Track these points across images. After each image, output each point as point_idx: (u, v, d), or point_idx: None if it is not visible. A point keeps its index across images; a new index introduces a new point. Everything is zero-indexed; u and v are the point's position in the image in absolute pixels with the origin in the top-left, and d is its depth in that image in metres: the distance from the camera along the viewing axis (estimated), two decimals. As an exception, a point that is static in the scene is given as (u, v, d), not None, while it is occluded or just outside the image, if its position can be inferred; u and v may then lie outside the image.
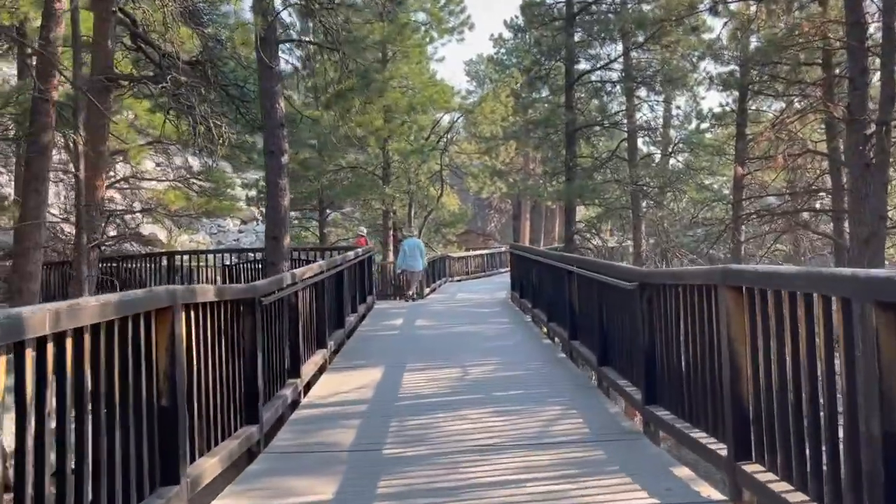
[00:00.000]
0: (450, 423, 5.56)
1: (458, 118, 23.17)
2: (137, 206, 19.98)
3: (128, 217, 25.75)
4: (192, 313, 3.94)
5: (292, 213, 30.11)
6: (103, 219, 11.94)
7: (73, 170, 13.07)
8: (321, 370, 7.80)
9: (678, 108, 21.09)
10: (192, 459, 3.90)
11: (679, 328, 4.75)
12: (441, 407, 6.05)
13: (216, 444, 4.30)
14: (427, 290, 21.65)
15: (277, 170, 8.87)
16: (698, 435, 4.32)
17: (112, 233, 21.28)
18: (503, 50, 36.57)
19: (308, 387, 6.94)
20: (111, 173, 20.51)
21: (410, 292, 17.34)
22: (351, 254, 10.88)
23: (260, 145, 15.65)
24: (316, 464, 4.70)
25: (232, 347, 4.72)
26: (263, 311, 5.23)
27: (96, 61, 11.88)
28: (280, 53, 11.10)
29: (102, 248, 18.34)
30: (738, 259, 16.35)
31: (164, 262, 15.27)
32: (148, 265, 15.66)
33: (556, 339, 9.32)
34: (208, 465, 3.94)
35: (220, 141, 11.40)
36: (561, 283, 8.84)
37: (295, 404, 6.37)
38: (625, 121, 18.71)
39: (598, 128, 18.82)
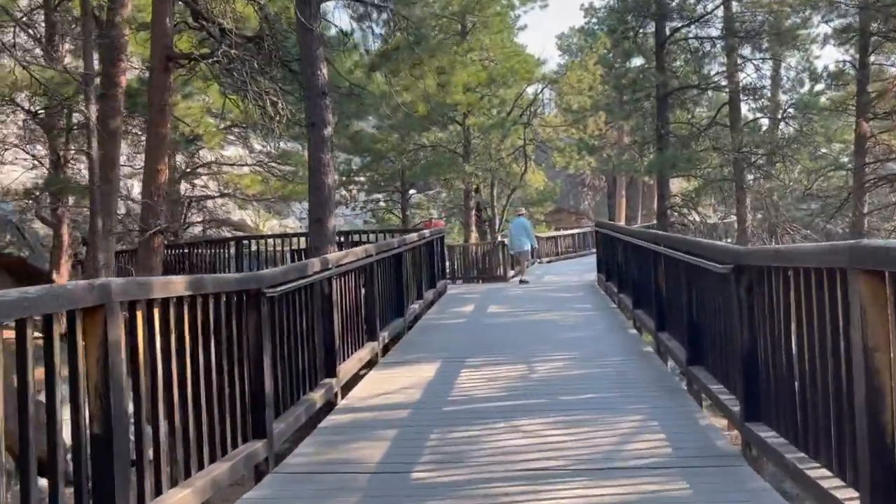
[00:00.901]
0: (500, 438, 4.62)
1: (542, 89, 21.91)
2: (216, 192, 19.98)
3: (212, 203, 26.08)
4: (153, 311, 3.17)
5: (377, 196, 29.85)
6: (163, 204, 11.57)
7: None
8: (371, 365, 7.01)
9: (788, 67, 18.94)
10: (158, 492, 3.15)
11: (789, 327, 3.60)
12: (494, 415, 5.11)
13: (200, 468, 3.54)
14: (512, 272, 20.65)
15: (320, 144, 8.09)
16: (817, 473, 3.18)
17: (196, 219, 21.50)
18: (594, 20, 34.70)
19: (350, 386, 6.16)
20: (195, 159, 20.62)
21: (521, 275, 16.51)
22: (414, 235, 10.04)
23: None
24: (328, 490, 3.88)
25: (229, 350, 3.95)
26: (274, 304, 4.44)
27: (156, 40, 11.51)
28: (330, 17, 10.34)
29: (179, 234, 18.42)
30: (861, 234, 14.41)
31: (233, 249, 14.92)
32: (221, 251, 15.40)
33: (643, 330, 8.15)
34: (175, 501, 3.18)
35: (279, 119, 10.78)
36: (647, 264, 7.67)
37: (331, 406, 5.60)
38: (725, 83, 16.80)
39: (694, 91, 17.03)
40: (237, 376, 4.02)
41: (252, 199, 18.67)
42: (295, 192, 18.22)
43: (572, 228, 33.75)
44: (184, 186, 21.06)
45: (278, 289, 4.30)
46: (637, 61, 19.20)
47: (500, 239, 20.30)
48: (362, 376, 6.61)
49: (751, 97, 17.42)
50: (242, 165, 19.84)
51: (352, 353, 6.43)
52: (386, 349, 7.89)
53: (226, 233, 28.13)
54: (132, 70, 15.36)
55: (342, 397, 5.78)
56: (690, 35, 16.91)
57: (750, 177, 17.02)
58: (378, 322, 7.35)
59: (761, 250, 3.92)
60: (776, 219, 16.96)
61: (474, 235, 23.33)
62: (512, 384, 6.05)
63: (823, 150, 22.08)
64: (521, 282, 16.10)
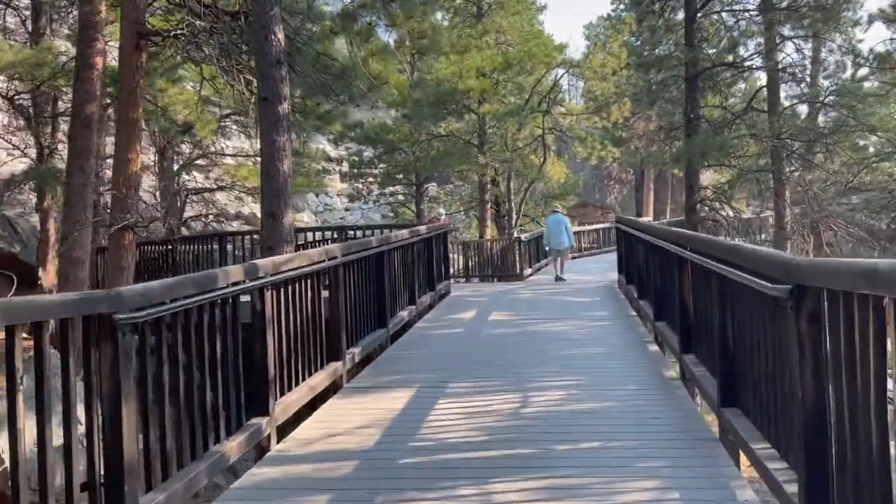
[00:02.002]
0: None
1: (563, 75, 20.49)
2: (217, 185, 18.95)
3: (223, 197, 25.17)
4: None
5: (394, 188, 28.62)
6: (135, 196, 10.48)
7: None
8: (334, 390, 5.81)
9: (831, 49, 17.23)
10: None
11: (882, 383, 2.31)
12: (463, 473, 3.88)
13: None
14: (529, 270, 19.34)
15: (274, 122, 6.86)
16: None
17: (204, 212, 20.49)
18: (622, 6, 33.08)
19: (297, 423, 4.95)
20: (197, 150, 19.59)
21: (559, 272, 15.70)
22: (404, 232, 8.79)
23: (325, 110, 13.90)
24: None
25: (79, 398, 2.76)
26: (146, 332, 3.24)
27: (126, 15, 10.42)
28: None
29: (175, 230, 17.39)
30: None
31: (220, 245, 13.80)
32: (209, 248, 14.31)
33: (665, 346, 6.84)
34: None
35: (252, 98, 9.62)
36: (670, 270, 6.35)
37: (263, 452, 4.41)
38: (762, 63, 15.13)
39: (727, 74, 15.40)
40: (76, 439, 2.83)
41: (252, 192, 17.61)
42: (297, 185, 17.08)
43: (597, 223, 32.26)
44: (187, 179, 20.12)
45: (144, 313, 3.08)
46: (665, 39, 17.62)
47: (516, 234, 18.97)
48: (319, 406, 5.40)
49: (791, 79, 15.84)
50: (244, 156, 18.77)
51: (301, 380, 5.22)
52: (363, 365, 6.69)
53: (236, 226, 27.26)
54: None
55: (278, 441, 4.58)
56: (724, 8, 15.29)
57: (788, 168, 15.43)
58: (345, 338, 6.14)
59: (836, 265, 2.63)
60: (818, 214, 15.38)
61: (490, 231, 22.02)
62: (497, 423, 4.79)
63: (866, 140, 20.36)
64: (558, 279, 15.29)
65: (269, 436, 4.47)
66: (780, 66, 14.95)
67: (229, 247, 14.22)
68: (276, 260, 4.87)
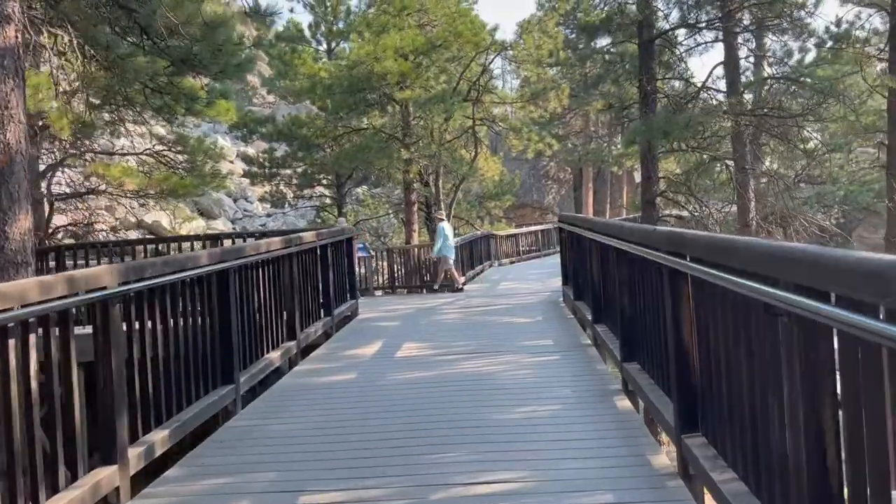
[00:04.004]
0: None
1: (493, 58, 18.29)
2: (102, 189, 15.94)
3: (128, 203, 22.07)
4: None
5: (313, 191, 25.96)
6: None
7: None
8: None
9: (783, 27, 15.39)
10: None
11: None
12: None
13: None
14: (461, 279, 17.06)
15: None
16: None
17: (61, 221, 17.43)
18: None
19: None
20: (73, 149, 16.56)
21: (457, 283, 14.57)
22: (274, 241, 6.31)
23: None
24: None
25: None
26: None
27: None
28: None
29: (44, 240, 14.42)
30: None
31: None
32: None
33: (643, 404, 4.60)
34: None
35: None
36: (652, 290, 4.14)
37: None
38: (721, 25, 12.95)
39: (684, 45, 13.27)
40: None
41: (129, 194, 14.83)
42: (181, 185, 14.35)
43: (535, 225, 30.34)
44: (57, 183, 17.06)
45: None
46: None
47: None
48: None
49: (750, 53, 13.97)
50: (124, 154, 15.90)
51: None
52: (185, 451, 4.24)
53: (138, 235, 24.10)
54: None
55: None
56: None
57: (752, 156, 13.53)
58: (124, 426, 3.65)
59: None
60: (786, 209, 13.56)
61: (419, 236, 19.68)
62: None
63: (811, 132, 18.81)
64: (458, 289, 14.24)
65: None
66: (737, 29, 12.92)
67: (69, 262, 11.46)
68: None
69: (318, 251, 7.94)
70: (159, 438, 4.02)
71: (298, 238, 6.98)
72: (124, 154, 15.94)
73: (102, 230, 18.90)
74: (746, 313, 2.63)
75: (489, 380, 5.65)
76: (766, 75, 13.83)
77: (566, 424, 4.40)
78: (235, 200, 35.63)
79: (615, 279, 5.50)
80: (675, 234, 3.52)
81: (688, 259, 3.28)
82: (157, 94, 10.59)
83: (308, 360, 6.80)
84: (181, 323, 4.51)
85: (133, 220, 27.39)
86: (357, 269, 17.22)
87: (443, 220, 15.46)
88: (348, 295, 9.26)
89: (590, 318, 6.86)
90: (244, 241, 10.93)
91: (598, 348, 6.47)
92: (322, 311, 7.92)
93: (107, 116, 15.15)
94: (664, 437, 4.46)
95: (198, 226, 29.12)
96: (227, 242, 12.12)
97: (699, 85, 12.92)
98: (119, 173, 13.67)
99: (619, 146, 32.80)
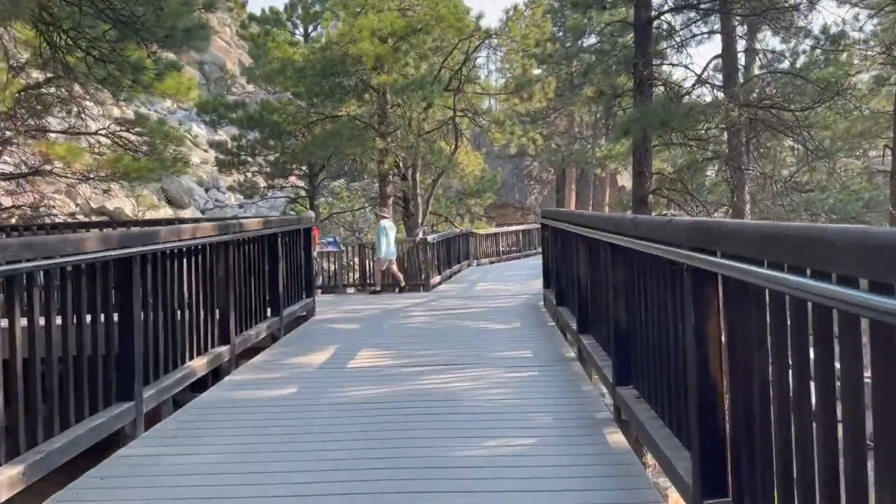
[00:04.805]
0: None
1: (478, 46, 17.27)
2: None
3: (88, 188, 20.98)
4: None
5: (285, 181, 24.82)
6: None
7: None
8: None
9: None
10: None
11: None
12: None
13: None
14: (437, 278, 16.09)
15: None
16: None
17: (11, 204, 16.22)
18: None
19: None
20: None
21: (401, 283, 14.13)
22: (187, 228, 5.26)
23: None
24: None
25: None
26: None
27: None
28: None
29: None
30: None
31: None
32: None
33: (645, 446, 3.65)
34: None
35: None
36: (658, 297, 3.21)
37: None
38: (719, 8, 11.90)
39: (679, 35, 12.24)
40: None
41: (77, 176, 13.68)
42: (135, 168, 13.23)
43: (517, 225, 29.44)
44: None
45: None
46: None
47: (421, 235, 15.72)
48: None
49: (749, 45, 13.11)
50: (76, 133, 14.72)
51: None
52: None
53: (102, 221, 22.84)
54: None
55: None
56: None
57: (750, 154, 12.64)
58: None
59: None
60: (784, 212, 12.69)
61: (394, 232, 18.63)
62: None
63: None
64: (401, 290, 13.99)
65: None
66: (737, 12, 11.94)
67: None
68: None
69: (268, 241, 6.94)
70: (6, 478, 3.01)
71: (238, 225, 5.97)
72: (77, 133, 14.77)
73: (52, 215, 17.67)
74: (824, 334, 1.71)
75: (455, 401, 4.68)
76: (764, 70, 12.98)
77: (544, 466, 3.45)
78: (207, 190, 34.37)
79: (607, 283, 4.57)
80: (703, 224, 2.59)
81: (718, 255, 2.36)
82: (100, 63, 9.49)
83: (244, 368, 5.79)
84: (55, 322, 3.51)
85: (94, 206, 26.12)
86: (325, 264, 16.30)
87: (386, 217, 14.67)
88: (304, 293, 8.25)
89: (574, 327, 5.92)
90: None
91: (584, 363, 5.54)
92: (269, 309, 6.91)
93: (53, 90, 14.00)
94: (672, 492, 3.53)
95: (164, 214, 27.88)
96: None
97: (697, 75, 12.00)
98: (63, 152, 12.53)
99: (603, 147, 32.02)
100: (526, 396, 4.73)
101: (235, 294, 5.87)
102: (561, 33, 30.58)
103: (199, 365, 5.09)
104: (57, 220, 16.89)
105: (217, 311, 5.57)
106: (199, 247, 5.20)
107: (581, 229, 5.54)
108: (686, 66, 13.04)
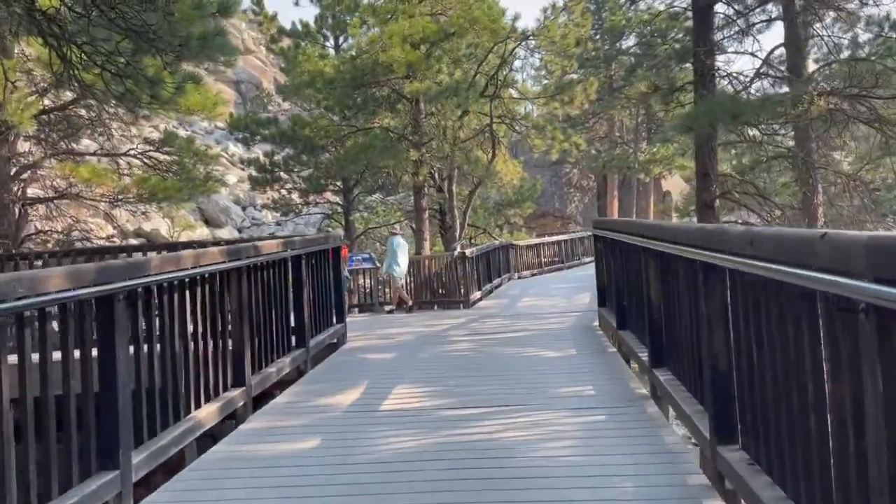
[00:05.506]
0: None
1: (514, 48, 16.44)
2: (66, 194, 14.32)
3: (124, 212, 20.63)
4: None
5: (319, 197, 24.28)
6: None
7: None
8: None
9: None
10: None
11: None
12: None
13: None
14: (477, 294, 15.27)
15: None
16: None
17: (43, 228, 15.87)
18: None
19: None
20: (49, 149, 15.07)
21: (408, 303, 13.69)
22: (186, 255, 4.54)
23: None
24: None
25: None
26: None
27: None
28: None
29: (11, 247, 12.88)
30: None
31: None
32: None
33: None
34: None
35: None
36: (797, 340, 2.32)
37: None
38: None
39: (738, 19, 11.08)
40: None
41: (104, 199, 13.26)
42: (163, 188, 12.73)
43: (558, 234, 28.45)
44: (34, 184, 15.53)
45: None
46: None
47: (459, 249, 14.92)
48: None
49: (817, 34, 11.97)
50: (106, 155, 14.34)
51: None
52: None
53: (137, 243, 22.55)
54: None
55: None
56: None
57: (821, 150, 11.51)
58: None
59: None
60: (868, 215, 11.51)
61: (430, 245, 17.91)
62: None
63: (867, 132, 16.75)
64: (391, 311, 13.49)
65: None
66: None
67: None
68: None
69: (290, 265, 6.21)
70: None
71: (253, 248, 5.23)
72: (105, 155, 14.37)
73: (86, 239, 17.34)
74: None
75: (505, 458, 3.83)
76: (831, 58, 11.85)
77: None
78: (244, 208, 34.19)
79: (696, 310, 3.70)
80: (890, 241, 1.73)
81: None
82: (117, 78, 8.94)
83: (262, 412, 5.04)
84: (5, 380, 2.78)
85: (131, 228, 25.97)
86: (360, 280, 15.59)
87: (396, 233, 14.03)
88: (334, 318, 7.50)
89: (645, 359, 5.04)
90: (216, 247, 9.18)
91: (660, 403, 4.65)
92: (293, 340, 6.17)
93: (84, 113, 13.60)
94: None
95: (200, 234, 27.64)
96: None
97: (763, 60, 10.89)
98: (88, 174, 12.08)
99: (646, 151, 30.86)
100: (593, 452, 3.86)
101: (252, 327, 5.14)
102: (598, 36, 29.50)
103: (206, 414, 4.35)
104: (87, 245, 16.52)
105: (229, 349, 4.84)
106: (206, 276, 4.48)
107: (651, 242, 4.67)
108: (752, 54, 11.88)
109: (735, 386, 3.16)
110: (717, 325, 3.29)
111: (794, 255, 2.22)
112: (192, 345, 4.31)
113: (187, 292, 4.28)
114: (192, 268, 4.22)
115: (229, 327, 4.84)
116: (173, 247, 9.84)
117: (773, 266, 2.32)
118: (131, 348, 3.68)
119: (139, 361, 3.74)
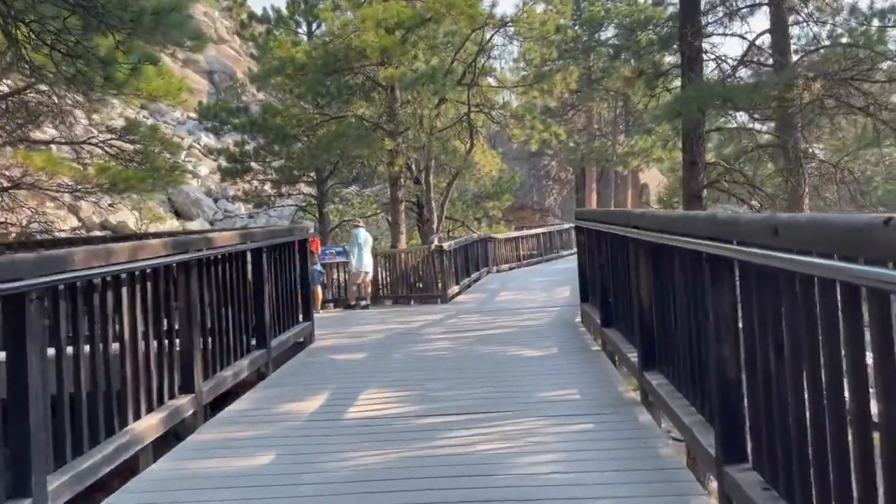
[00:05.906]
0: None
1: (492, 35, 15.97)
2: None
3: (88, 202, 19.92)
4: None
5: (292, 188, 23.65)
6: None
7: None
8: None
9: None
10: None
11: None
12: None
13: None
14: (456, 288, 14.83)
15: None
16: None
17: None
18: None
19: None
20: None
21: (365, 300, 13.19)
22: (119, 248, 4.03)
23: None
24: None
25: None
26: None
27: None
28: None
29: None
30: None
31: None
32: None
33: None
34: None
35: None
36: (852, 357, 1.90)
37: None
38: None
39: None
40: None
41: (61, 189, 12.60)
42: (125, 178, 12.09)
43: (537, 227, 28.10)
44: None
45: None
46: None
47: (436, 243, 14.47)
48: None
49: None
50: (60, 143, 13.66)
51: None
52: None
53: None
54: None
55: None
56: None
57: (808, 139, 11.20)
58: None
59: None
60: (854, 204, 11.27)
61: (407, 239, 17.43)
62: None
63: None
64: (366, 306, 13.09)
65: None
66: None
67: None
68: None
69: (249, 259, 5.71)
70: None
71: (205, 241, 4.73)
72: (63, 143, 13.69)
73: (48, 231, 16.60)
74: None
75: (489, 475, 3.40)
76: (815, 44, 11.54)
77: None
78: (216, 200, 33.37)
79: (697, 309, 3.29)
80: None
81: None
82: (68, 58, 8.35)
83: (214, 421, 4.55)
84: None
85: (96, 220, 25.15)
86: (334, 275, 15.07)
87: (360, 226, 13.67)
88: (299, 316, 7.01)
89: (634, 360, 4.63)
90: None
91: (651, 409, 4.24)
92: (253, 341, 5.68)
93: (44, 99, 12.88)
94: None
95: (170, 226, 26.85)
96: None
97: (751, 42, 10.54)
98: (42, 163, 11.42)
99: (623, 144, 30.57)
100: (580, 468, 3.43)
101: (203, 328, 4.65)
102: (577, 27, 29.06)
103: (147, 426, 3.85)
104: (46, 237, 15.80)
105: (177, 353, 4.35)
106: (146, 271, 3.98)
107: (643, 233, 4.25)
108: (742, 36, 11.47)
109: (747, 397, 2.75)
110: (727, 328, 2.88)
111: (840, 246, 1.80)
112: (129, 347, 3.82)
113: (124, 289, 3.78)
114: (127, 262, 3.72)
115: (176, 329, 4.35)
116: (129, 238, 9.24)
117: (815, 260, 1.90)
118: (52, 351, 3.19)
119: (62, 369, 3.25)
